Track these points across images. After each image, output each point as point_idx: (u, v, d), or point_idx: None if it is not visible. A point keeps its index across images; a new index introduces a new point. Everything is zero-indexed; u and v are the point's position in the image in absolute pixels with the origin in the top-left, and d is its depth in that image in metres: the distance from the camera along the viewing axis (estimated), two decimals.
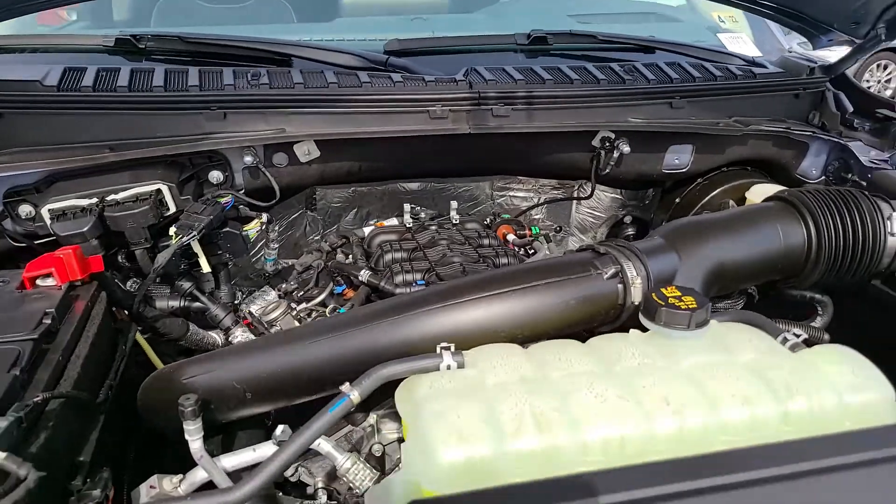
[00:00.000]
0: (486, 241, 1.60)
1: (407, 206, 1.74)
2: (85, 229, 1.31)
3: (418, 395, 0.81)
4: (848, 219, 1.19)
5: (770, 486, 0.67)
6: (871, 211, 1.20)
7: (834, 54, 1.91)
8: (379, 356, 0.97)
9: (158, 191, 1.39)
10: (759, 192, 1.69)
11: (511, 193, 1.95)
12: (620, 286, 1.02)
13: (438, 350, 0.87)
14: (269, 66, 1.60)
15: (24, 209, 1.39)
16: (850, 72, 1.92)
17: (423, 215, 1.77)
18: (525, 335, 1.00)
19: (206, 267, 1.43)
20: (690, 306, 0.88)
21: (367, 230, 1.75)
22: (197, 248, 1.38)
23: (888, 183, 1.46)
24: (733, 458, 0.71)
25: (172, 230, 1.36)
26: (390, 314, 1.02)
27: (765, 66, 1.88)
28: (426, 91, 1.48)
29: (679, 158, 1.73)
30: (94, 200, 1.35)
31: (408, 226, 1.71)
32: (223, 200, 1.43)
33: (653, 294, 0.90)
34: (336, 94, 1.45)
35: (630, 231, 2.02)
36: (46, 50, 1.69)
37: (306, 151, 1.51)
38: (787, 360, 0.86)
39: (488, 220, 1.82)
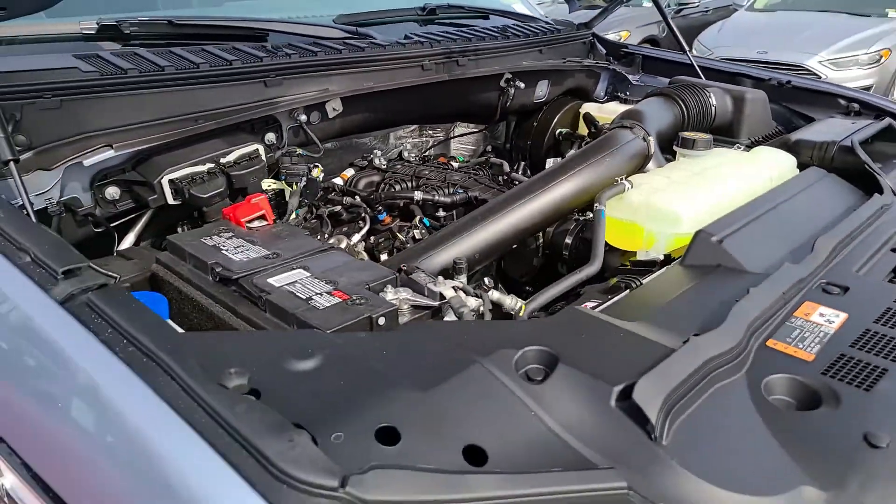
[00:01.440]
0: (453, 169, 2.09)
1: (378, 153, 2.11)
2: (223, 188, 1.46)
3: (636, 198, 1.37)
4: (694, 95, 2.05)
5: None
6: (701, 92, 2.07)
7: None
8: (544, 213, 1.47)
9: (256, 150, 1.56)
10: (587, 108, 2.51)
11: (422, 139, 2.44)
12: (645, 143, 1.68)
13: (618, 181, 1.43)
14: (246, 42, 1.80)
15: (111, 191, 1.44)
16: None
17: (382, 160, 2.16)
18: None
19: (294, 207, 1.65)
20: (703, 137, 1.60)
21: (338, 180, 2.07)
22: (297, 189, 1.61)
23: (681, 80, 2.36)
24: None
25: (268, 183, 1.58)
26: (531, 191, 1.51)
27: (550, 23, 2.69)
28: (414, 51, 1.91)
29: (541, 91, 2.44)
30: (211, 165, 1.48)
31: (382, 167, 2.09)
32: (299, 152, 1.66)
33: (684, 136, 1.60)
34: (366, 56, 1.78)
35: (492, 157, 2.67)
36: (22, 42, 1.59)
37: (334, 108, 1.80)
38: (745, 156, 1.65)
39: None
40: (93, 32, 1.64)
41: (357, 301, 1.05)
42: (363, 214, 1.85)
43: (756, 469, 0.77)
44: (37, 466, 0.78)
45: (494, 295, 1.20)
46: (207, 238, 1.27)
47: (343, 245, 1.71)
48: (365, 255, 1.77)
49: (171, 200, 1.45)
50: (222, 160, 1.50)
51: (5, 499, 0.80)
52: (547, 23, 2.64)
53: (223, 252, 1.22)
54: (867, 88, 6.67)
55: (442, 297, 1.09)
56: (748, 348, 0.94)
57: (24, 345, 0.87)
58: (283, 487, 0.64)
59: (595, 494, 0.72)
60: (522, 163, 2.26)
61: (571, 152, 1.56)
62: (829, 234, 1.24)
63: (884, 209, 1.40)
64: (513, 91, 2.26)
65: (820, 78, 6.60)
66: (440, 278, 1.14)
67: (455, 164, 2.20)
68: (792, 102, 2.35)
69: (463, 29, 2.22)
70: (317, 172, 1.72)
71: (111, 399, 0.74)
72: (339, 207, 1.90)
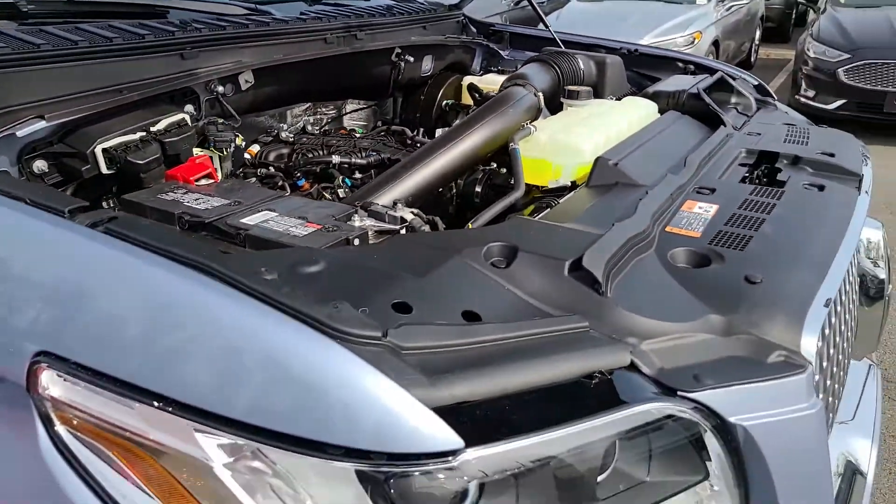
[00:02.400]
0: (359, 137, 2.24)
1: (283, 126, 2.21)
2: (158, 154, 1.52)
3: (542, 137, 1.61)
4: (566, 61, 2.34)
5: None
6: (571, 58, 2.37)
7: None
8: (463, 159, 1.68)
9: (183, 118, 1.63)
10: (468, 79, 2.74)
11: (316, 116, 2.55)
12: (537, 98, 1.93)
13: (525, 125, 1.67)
14: (146, 20, 1.86)
15: (39, 164, 1.47)
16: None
17: (288, 133, 2.26)
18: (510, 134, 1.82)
19: (220, 176, 1.73)
20: (584, 89, 1.88)
21: (246, 156, 2.15)
22: (227, 155, 1.70)
23: (549, 50, 2.65)
24: None
25: (198, 151, 1.66)
26: (449, 139, 1.70)
27: (425, 4, 2.90)
28: (316, 25, 2.04)
29: (427, 65, 2.65)
30: (143, 133, 1.54)
31: (289, 140, 2.20)
32: (221, 121, 1.74)
33: (569, 89, 1.87)
34: (272, 29, 1.89)
35: (393, 126, 2.83)
36: None
37: (246, 80, 1.89)
38: (618, 103, 1.95)
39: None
40: None
41: (330, 228, 1.19)
42: (281, 183, 1.96)
43: (674, 307, 1.02)
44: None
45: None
46: (163, 195, 1.35)
47: None
48: None
49: (104, 170, 1.49)
50: (152, 128, 1.56)
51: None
52: (421, 3, 2.85)
53: (185, 204, 1.30)
54: None
55: (402, 220, 1.26)
56: (654, 232, 1.19)
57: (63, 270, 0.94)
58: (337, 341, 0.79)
59: (565, 332, 0.94)
60: (421, 129, 2.45)
61: (477, 108, 1.78)
62: (695, 153, 1.54)
63: (728, 137, 1.74)
64: (403, 65, 2.44)
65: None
66: (398, 205, 1.31)
67: (356, 134, 2.35)
68: (640, 67, 2.73)
69: (352, 7, 2.37)
70: (239, 141, 1.81)
71: (182, 295, 0.85)
72: (254, 179, 1.99)
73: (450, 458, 0.75)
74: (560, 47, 2.83)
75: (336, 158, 1.97)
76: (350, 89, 2.50)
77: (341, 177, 1.90)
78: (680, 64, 2.71)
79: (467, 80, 2.74)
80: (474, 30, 2.99)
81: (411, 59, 2.44)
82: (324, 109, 2.57)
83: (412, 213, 1.31)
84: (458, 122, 1.74)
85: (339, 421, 0.75)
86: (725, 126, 1.82)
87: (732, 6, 8.74)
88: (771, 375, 0.90)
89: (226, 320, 0.82)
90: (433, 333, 0.85)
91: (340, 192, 1.87)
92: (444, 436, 0.75)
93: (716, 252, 1.14)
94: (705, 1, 8.25)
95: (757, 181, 1.55)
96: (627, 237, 1.12)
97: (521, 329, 0.91)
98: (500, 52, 2.93)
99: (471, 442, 0.76)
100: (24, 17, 1.67)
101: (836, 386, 1.29)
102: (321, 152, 2.13)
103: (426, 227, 1.27)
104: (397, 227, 1.25)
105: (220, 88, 1.78)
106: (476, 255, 1.07)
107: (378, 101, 2.66)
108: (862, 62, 6.67)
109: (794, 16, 12.16)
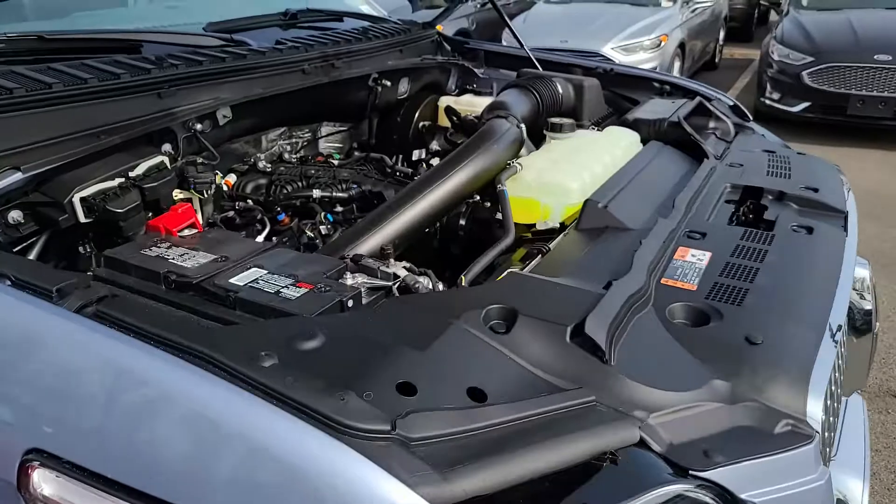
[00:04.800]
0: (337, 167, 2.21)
1: (261, 155, 2.16)
2: (138, 201, 1.46)
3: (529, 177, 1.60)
4: (545, 85, 2.33)
5: None
6: (549, 82, 2.36)
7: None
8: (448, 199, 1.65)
9: (162, 161, 1.57)
10: (445, 101, 2.72)
11: (291, 140, 2.50)
12: (519, 130, 1.92)
13: (511, 164, 1.65)
14: (121, 55, 1.79)
15: (14, 215, 1.41)
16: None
17: (265, 163, 2.21)
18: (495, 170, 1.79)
19: (201, 218, 1.68)
20: (567, 121, 1.87)
21: (222, 180, 2.10)
22: (208, 198, 1.65)
23: (528, 72, 2.63)
24: None
25: (178, 193, 1.61)
26: (434, 180, 1.67)
27: (400, 24, 2.87)
28: (294, 56, 1.99)
29: (403, 87, 2.61)
30: (122, 179, 1.48)
31: (266, 170, 2.15)
32: (200, 161, 1.69)
33: (552, 121, 1.86)
34: (250, 63, 1.84)
35: (357, 154, 2.79)
36: None
37: (224, 115, 1.84)
38: (601, 135, 1.95)
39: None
40: None
41: (323, 289, 1.16)
42: (260, 217, 1.92)
43: (679, 373, 1.02)
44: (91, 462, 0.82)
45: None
46: (146, 250, 1.30)
47: None
48: None
49: (82, 219, 1.44)
50: (131, 174, 1.50)
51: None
52: (396, 23, 2.81)
53: (171, 261, 1.26)
54: (652, 69, 7.62)
55: (395, 276, 1.23)
56: (650, 286, 1.19)
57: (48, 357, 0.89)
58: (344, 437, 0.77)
59: (572, 409, 0.92)
60: (399, 155, 2.42)
61: (462, 142, 1.75)
62: (683, 193, 1.54)
63: (712, 171, 1.75)
64: (380, 89, 2.41)
65: (614, 63, 7.44)
66: (391, 260, 1.29)
67: (334, 161, 2.31)
68: (616, 87, 2.73)
69: (328, 33, 2.32)
70: (218, 179, 1.76)
71: (172, 387, 0.81)
72: (231, 213, 1.94)
73: None
74: (537, 67, 2.83)
75: (317, 192, 1.93)
76: (326, 114, 2.46)
77: (322, 213, 1.86)
78: (656, 84, 2.72)
79: (444, 101, 2.72)
80: (448, 47, 2.96)
81: (388, 83, 2.40)
82: (299, 133, 2.52)
83: (404, 267, 1.28)
84: (443, 160, 1.72)
85: None
86: (708, 158, 1.83)
87: (697, 8, 8.84)
88: (780, 448, 0.90)
89: (232, 423, 0.79)
90: (441, 420, 0.83)
91: (322, 229, 1.84)
92: None
93: (714, 308, 1.14)
94: (671, 3, 8.33)
95: (744, 219, 1.55)
96: (627, 296, 1.11)
97: (529, 409, 0.89)
98: (476, 70, 2.91)
99: None
100: None
101: (831, 419, 1.30)
102: (300, 183, 2.09)
103: (420, 283, 1.24)
104: (390, 283, 1.23)
105: (199, 126, 1.73)
106: (475, 320, 1.05)
107: (353, 123, 2.62)
108: (825, 65, 6.79)
109: (756, 15, 12.38)
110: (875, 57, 6.55)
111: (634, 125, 2.11)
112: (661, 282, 1.23)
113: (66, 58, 1.67)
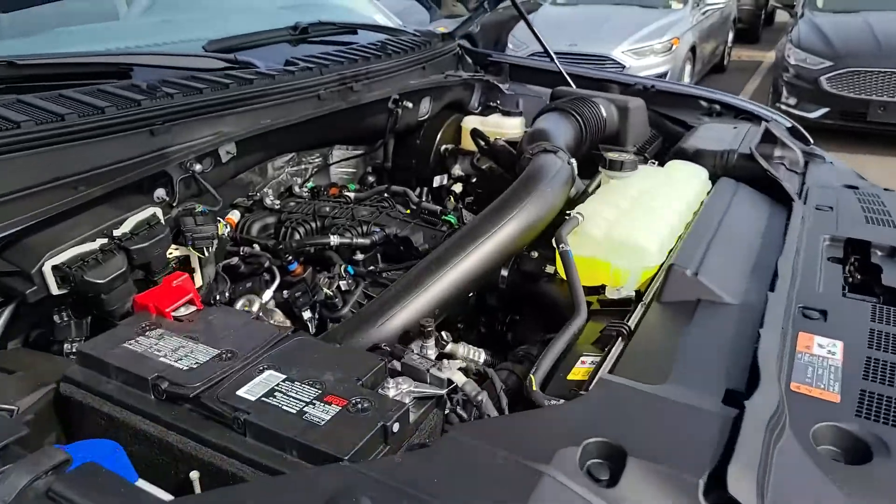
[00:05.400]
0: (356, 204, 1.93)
1: (268, 191, 1.88)
2: (124, 267, 1.19)
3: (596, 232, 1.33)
4: (588, 108, 2.05)
5: None
6: (593, 104, 2.08)
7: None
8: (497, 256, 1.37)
9: (154, 214, 1.30)
10: (470, 122, 2.44)
11: (300, 167, 2.23)
12: (570, 167, 1.64)
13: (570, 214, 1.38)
14: (109, 82, 1.52)
15: None
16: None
17: (272, 198, 1.94)
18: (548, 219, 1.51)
19: (200, 279, 1.41)
20: (629, 158, 1.59)
21: (225, 229, 1.82)
22: (209, 256, 1.38)
23: (564, 91, 2.35)
24: None
25: (174, 250, 1.33)
26: (479, 234, 1.38)
27: (419, 35, 2.59)
28: (307, 79, 1.71)
29: (425, 108, 2.34)
30: (104, 241, 1.21)
31: (275, 207, 1.87)
32: (200, 209, 1.41)
33: (610, 158, 1.58)
34: (258, 89, 1.56)
35: (371, 179, 2.51)
36: None
37: (228, 151, 1.56)
38: (665, 173, 1.67)
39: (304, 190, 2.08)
40: None
41: (359, 406, 0.89)
42: (267, 265, 1.64)
43: None
44: None
45: (487, 366, 1.09)
46: (132, 342, 1.03)
47: (255, 307, 1.50)
48: (280, 315, 1.57)
49: (55, 291, 1.16)
50: (116, 232, 1.23)
51: None
52: (415, 35, 2.54)
53: (161, 359, 0.99)
54: (663, 74, 7.34)
55: (449, 382, 0.96)
56: (783, 398, 0.92)
57: None
58: None
59: None
60: (424, 188, 2.14)
61: (512, 185, 1.47)
62: (784, 254, 1.28)
63: (804, 220, 1.48)
64: (400, 111, 2.13)
65: (625, 67, 7.17)
66: (445, 362, 1.01)
67: (350, 195, 2.04)
68: (658, 105, 2.46)
69: (344, 49, 2.05)
70: (221, 227, 1.49)
71: None
72: (235, 259, 1.67)
73: None
74: (569, 83, 2.56)
75: (335, 240, 1.65)
76: (341, 140, 2.19)
77: (342, 266, 1.59)
78: (703, 102, 2.45)
79: (468, 122, 2.44)
80: (470, 60, 2.69)
81: (409, 104, 2.13)
82: (309, 158, 2.25)
83: (460, 369, 1.01)
84: (488, 209, 1.43)
85: None
86: (795, 201, 1.56)
87: (707, 10, 8.57)
88: None
89: None
90: None
91: (343, 284, 1.57)
92: None
93: (876, 436, 0.87)
94: (681, 5, 8.06)
95: (858, 285, 1.29)
96: (765, 423, 0.84)
97: None
98: (500, 85, 2.63)
99: None
100: None
101: None
102: (314, 224, 1.81)
103: (482, 396, 0.97)
104: (442, 391, 0.96)
105: (198, 167, 1.45)
106: (571, 466, 0.78)
107: (368, 146, 2.35)
108: (845, 70, 6.54)
109: (763, 16, 12.12)
110: None
111: (696, 157, 1.84)
112: (792, 388, 0.96)
113: (42, 87, 1.40)
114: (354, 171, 2.45)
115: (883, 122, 6.43)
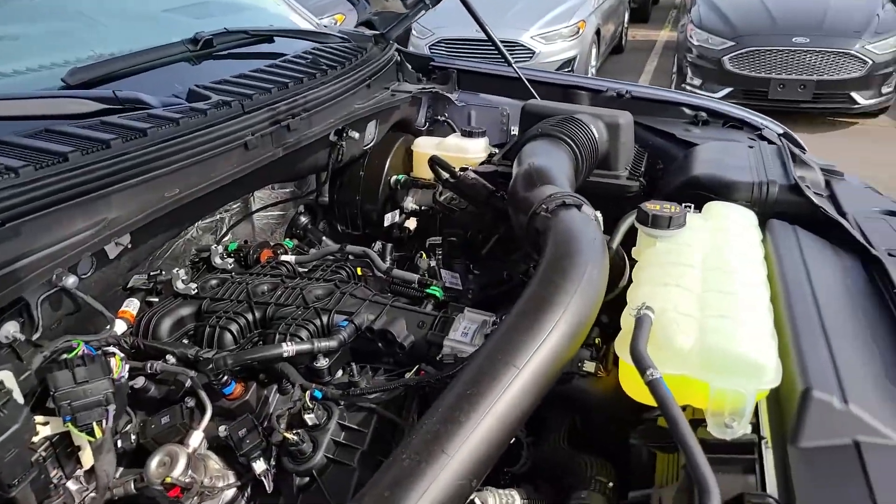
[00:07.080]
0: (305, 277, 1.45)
1: (180, 273, 1.35)
2: None
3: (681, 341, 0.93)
4: (580, 130, 1.66)
5: None
6: (584, 125, 1.69)
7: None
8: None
9: (1, 382, 0.78)
10: (423, 145, 2.00)
11: (215, 219, 1.71)
12: (597, 222, 1.23)
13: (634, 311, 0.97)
14: None
15: None
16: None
17: (186, 281, 1.42)
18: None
19: (90, 458, 0.91)
20: (676, 212, 1.21)
21: (117, 330, 1.29)
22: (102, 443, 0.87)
23: (539, 107, 1.92)
24: None
25: (41, 426, 0.83)
26: (512, 354, 0.94)
27: (349, 40, 2.10)
28: (228, 123, 1.21)
29: (370, 133, 1.87)
30: None
31: (190, 293, 1.36)
32: (80, 348, 0.90)
33: (655, 214, 1.19)
34: (153, 148, 1.04)
35: (304, 220, 2.01)
36: None
37: (118, 244, 1.05)
38: (711, 222, 1.30)
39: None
40: None
41: None
42: (188, 386, 1.16)
43: None
44: None
45: None
46: None
47: (182, 462, 1.02)
48: (217, 462, 1.11)
49: None
50: None
51: None
52: (344, 38, 2.05)
53: None
54: (571, 59, 7.13)
55: None
56: None
57: None
58: None
59: None
60: (387, 244, 1.67)
61: (539, 268, 1.03)
62: None
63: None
64: (344, 144, 1.66)
65: (535, 53, 6.88)
66: None
67: (289, 259, 1.54)
68: (633, 112, 2.10)
69: (268, 67, 1.54)
70: (117, 364, 0.99)
71: None
72: (142, 380, 1.16)
73: None
74: (532, 93, 2.17)
75: (288, 348, 1.17)
76: (269, 182, 1.69)
77: (307, 390, 1.12)
78: (686, 109, 2.13)
79: (421, 145, 2.00)
80: (410, 66, 2.24)
81: (356, 134, 1.66)
82: (224, 209, 1.74)
83: None
84: (516, 308, 0.98)
85: None
86: (875, 250, 1.24)
87: None
88: None
89: None
90: None
91: (308, 419, 1.10)
92: None
93: None
94: None
95: None
96: None
97: None
98: (449, 95, 2.21)
99: None
100: None
101: None
102: (249, 318, 1.31)
103: None
104: None
105: (70, 279, 0.94)
106: None
107: (298, 183, 1.86)
108: (745, 49, 6.59)
109: None
110: (793, 40, 6.42)
111: (723, 189, 1.48)
112: None
113: None
114: (283, 213, 1.95)
115: (783, 98, 6.54)
